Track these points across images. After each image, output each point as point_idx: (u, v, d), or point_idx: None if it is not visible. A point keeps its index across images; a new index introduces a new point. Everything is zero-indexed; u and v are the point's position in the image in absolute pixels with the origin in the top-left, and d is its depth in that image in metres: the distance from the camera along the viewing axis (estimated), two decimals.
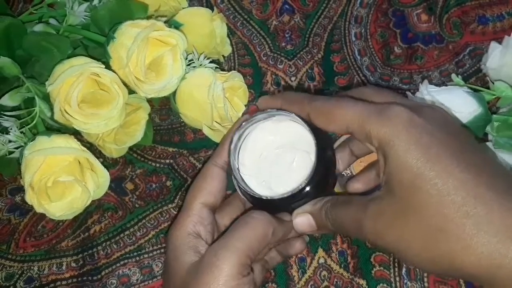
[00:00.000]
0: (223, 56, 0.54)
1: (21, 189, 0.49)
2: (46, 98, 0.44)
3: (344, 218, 0.32)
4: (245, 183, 0.35)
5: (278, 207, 0.35)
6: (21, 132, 0.44)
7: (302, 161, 0.35)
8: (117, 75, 0.43)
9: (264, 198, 0.34)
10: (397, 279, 0.44)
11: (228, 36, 0.53)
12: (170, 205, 0.48)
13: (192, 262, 0.33)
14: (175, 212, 0.48)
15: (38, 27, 0.48)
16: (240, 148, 0.37)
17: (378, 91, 0.34)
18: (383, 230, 0.29)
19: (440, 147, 0.28)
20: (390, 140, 0.28)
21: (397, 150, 0.28)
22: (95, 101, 0.43)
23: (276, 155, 0.36)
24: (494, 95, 0.47)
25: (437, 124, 0.29)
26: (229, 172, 0.37)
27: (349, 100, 0.32)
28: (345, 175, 0.43)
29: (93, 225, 0.47)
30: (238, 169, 0.36)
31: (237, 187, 0.37)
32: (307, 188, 0.33)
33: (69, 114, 0.42)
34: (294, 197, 0.34)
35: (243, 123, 0.36)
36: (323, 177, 0.35)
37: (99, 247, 0.46)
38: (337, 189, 0.43)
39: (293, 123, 0.36)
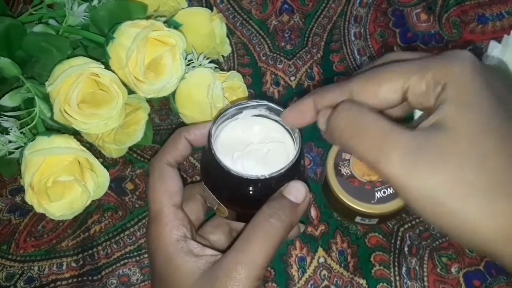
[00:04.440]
0: (222, 56, 0.54)
1: (21, 190, 0.49)
2: (46, 99, 0.44)
3: (360, 132, 0.26)
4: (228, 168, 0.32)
5: (255, 194, 0.33)
6: (21, 133, 0.44)
7: (277, 151, 0.35)
8: (117, 75, 0.43)
9: (259, 177, 0.31)
10: (397, 278, 0.44)
11: (227, 36, 0.53)
12: None
13: (199, 268, 0.32)
14: None
15: (38, 28, 0.48)
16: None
17: (410, 53, 0.30)
18: (422, 169, 0.24)
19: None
20: (462, 77, 0.25)
21: (470, 88, 0.25)
22: (95, 101, 0.43)
23: (248, 151, 0.35)
24: None
25: (499, 74, 0.27)
26: (205, 163, 0.35)
27: (394, 63, 0.28)
28: (345, 174, 0.43)
29: (93, 225, 0.47)
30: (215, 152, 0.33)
31: (211, 179, 0.35)
32: (285, 172, 0.32)
33: (68, 114, 0.42)
34: (278, 178, 0.32)
35: (213, 124, 0.35)
36: (299, 166, 0.34)
37: (99, 247, 0.46)
38: (337, 189, 0.43)
39: (262, 118, 0.36)
